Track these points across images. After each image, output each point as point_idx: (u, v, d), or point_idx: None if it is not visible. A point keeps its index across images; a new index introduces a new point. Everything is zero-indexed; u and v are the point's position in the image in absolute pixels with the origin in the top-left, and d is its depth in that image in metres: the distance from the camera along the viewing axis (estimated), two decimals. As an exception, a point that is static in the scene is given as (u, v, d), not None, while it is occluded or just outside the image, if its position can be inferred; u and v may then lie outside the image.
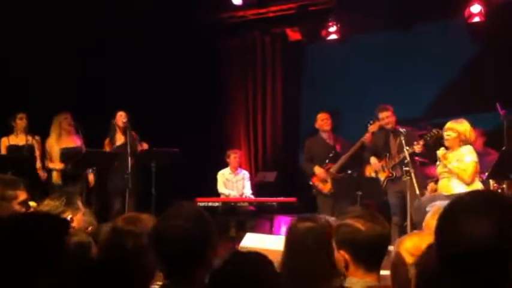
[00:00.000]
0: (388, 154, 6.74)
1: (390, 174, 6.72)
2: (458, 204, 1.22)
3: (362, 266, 2.18)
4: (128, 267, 2.11)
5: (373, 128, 7.31)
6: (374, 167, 6.98)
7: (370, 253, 2.18)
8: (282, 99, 9.73)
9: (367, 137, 7.34)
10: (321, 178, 7.45)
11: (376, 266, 2.20)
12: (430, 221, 2.90)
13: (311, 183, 7.54)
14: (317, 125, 7.67)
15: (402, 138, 6.27)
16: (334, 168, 7.46)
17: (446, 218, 1.22)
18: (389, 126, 6.80)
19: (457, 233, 1.16)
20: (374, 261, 2.19)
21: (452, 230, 1.17)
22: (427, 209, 3.16)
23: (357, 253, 2.19)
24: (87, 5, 7.65)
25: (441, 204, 3.11)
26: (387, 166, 6.76)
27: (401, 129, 6.49)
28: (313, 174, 7.51)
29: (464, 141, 5.84)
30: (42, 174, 7.21)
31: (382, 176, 6.89)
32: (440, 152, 5.92)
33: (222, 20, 9.48)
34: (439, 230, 1.22)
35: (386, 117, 6.78)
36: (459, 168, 5.74)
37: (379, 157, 6.90)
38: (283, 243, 2.50)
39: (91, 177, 7.18)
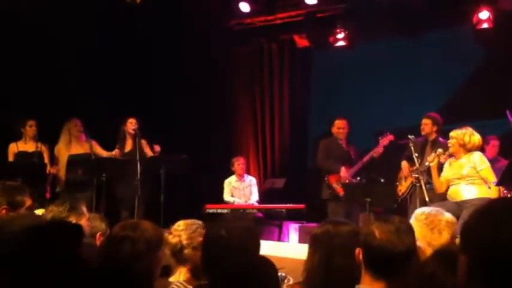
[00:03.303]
0: (420, 161, 6.66)
1: (414, 181, 6.59)
2: (494, 209, 1.21)
3: (371, 273, 2.18)
4: (123, 273, 2.13)
5: (384, 141, 7.30)
6: (403, 172, 6.96)
7: (382, 263, 2.17)
8: (290, 106, 9.73)
9: (377, 150, 7.31)
10: (343, 180, 7.38)
11: (387, 276, 2.17)
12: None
13: (327, 182, 7.45)
14: (333, 130, 7.62)
15: (436, 148, 6.30)
16: (350, 172, 7.45)
17: (482, 223, 1.20)
18: (423, 133, 6.80)
19: (494, 239, 1.15)
20: (385, 271, 2.17)
21: (488, 236, 1.16)
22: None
23: (372, 259, 2.19)
24: (93, 9, 7.66)
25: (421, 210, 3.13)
26: (413, 172, 6.65)
27: (410, 136, 6.50)
28: (336, 172, 7.43)
29: (465, 146, 5.91)
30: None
31: (407, 182, 6.88)
32: (448, 161, 6.03)
33: (229, 27, 9.50)
34: (473, 235, 1.21)
35: (423, 123, 6.79)
36: (483, 171, 5.82)
37: (412, 163, 6.76)
38: (306, 250, 2.51)
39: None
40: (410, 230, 2.24)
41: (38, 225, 1.97)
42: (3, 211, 3.22)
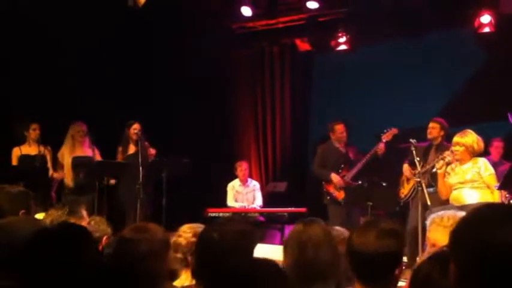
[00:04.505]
0: (422, 164, 6.53)
1: (416, 184, 6.52)
2: (483, 215, 1.22)
3: (360, 281, 2.17)
4: (129, 274, 2.15)
5: (386, 137, 7.30)
6: (405, 174, 6.92)
7: (363, 268, 2.15)
8: (291, 109, 9.74)
9: (380, 147, 7.31)
10: (338, 185, 7.40)
11: (374, 283, 2.15)
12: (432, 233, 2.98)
13: (325, 190, 7.47)
14: (334, 136, 7.59)
15: (441, 152, 6.26)
16: (348, 175, 7.44)
17: (471, 229, 1.21)
18: (429, 137, 6.77)
19: (484, 244, 1.16)
20: (370, 278, 2.15)
21: (478, 241, 1.17)
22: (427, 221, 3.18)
23: (353, 264, 2.18)
24: (93, 9, 7.66)
25: (441, 214, 3.13)
26: (415, 176, 6.60)
27: (412, 140, 6.47)
28: (328, 181, 7.45)
29: (474, 153, 5.87)
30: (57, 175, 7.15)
31: (410, 185, 6.86)
32: (450, 166, 5.97)
33: (231, 30, 9.52)
34: (463, 241, 1.22)
35: (431, 127, 6.76)
36: (487, 177, 5.80)
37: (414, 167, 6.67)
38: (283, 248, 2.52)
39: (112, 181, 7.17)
40: (394, 234, 2.18)
41: (43, 227, 2.00)
42: (22, 215, 3.26)
